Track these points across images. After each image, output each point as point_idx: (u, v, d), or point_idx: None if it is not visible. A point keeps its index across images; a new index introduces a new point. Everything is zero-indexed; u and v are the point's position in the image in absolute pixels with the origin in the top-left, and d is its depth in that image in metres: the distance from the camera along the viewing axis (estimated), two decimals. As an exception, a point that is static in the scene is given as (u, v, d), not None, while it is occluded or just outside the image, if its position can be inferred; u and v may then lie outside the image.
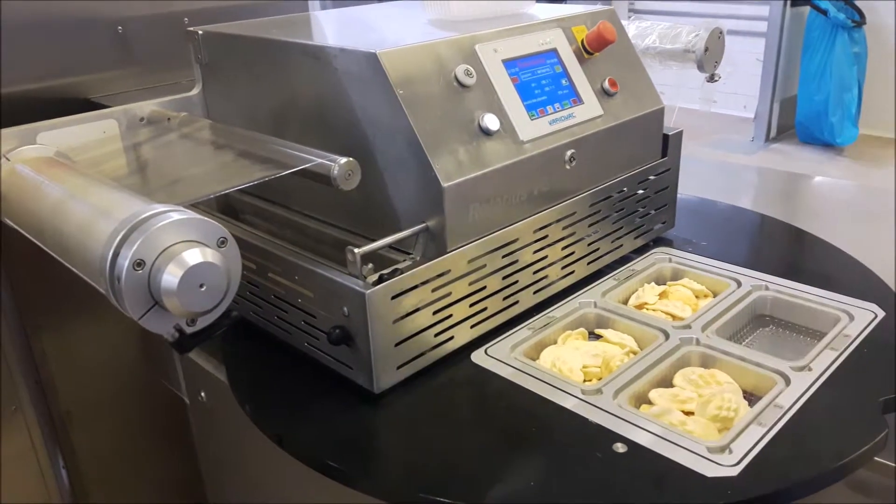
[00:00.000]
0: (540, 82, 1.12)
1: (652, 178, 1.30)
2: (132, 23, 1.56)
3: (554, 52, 1.15)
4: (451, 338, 1.03)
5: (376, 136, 1.00)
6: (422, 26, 1.21)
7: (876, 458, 1.24)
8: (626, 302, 1.18)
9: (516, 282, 1.10)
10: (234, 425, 1.11)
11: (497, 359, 1.03)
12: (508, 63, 1.09)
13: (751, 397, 0.97)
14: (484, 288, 1.05)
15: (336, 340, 0.95)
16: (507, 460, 0.87)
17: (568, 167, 1.13)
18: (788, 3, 4.27)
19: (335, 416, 0.97)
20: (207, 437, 1.39)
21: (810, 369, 0.97)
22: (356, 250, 0.91)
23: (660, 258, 1.29)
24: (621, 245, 1.28)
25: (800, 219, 1.59)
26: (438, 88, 1.00)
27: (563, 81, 1.15)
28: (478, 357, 1.04)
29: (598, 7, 1.27)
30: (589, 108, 1.16)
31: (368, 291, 0.91)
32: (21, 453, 1.57)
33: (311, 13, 1.51)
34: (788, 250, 1.43)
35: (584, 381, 1.00)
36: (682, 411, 0.93)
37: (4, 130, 1.01)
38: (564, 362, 1.02)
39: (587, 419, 0.90)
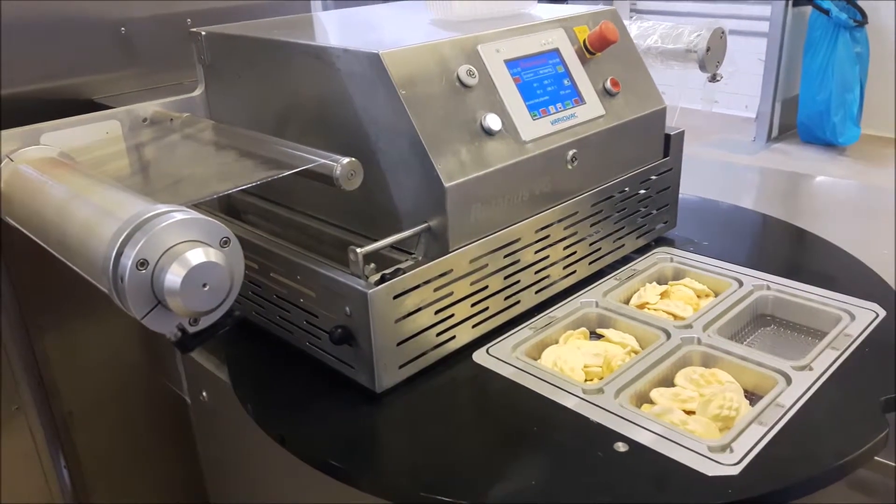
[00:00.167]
0: (542, 82, 1.12)
1: (654, 177, 1.30)
2: (135, 24, 1.56)
3: (556, 52, 1.16)
4: (453, 337, 1.03)
5: (378, 136, 1.00)
6: (424, 27, 1.21)
7: (877, 458, 1.24)
8: (627, 302, 1.18)
9: (518, 281, 1.10)
10: (236, 425, 1.12)
11: (499, 358, 1.03)
12: (510, 63, 1.09)
13: (752, 397, 0.97)
14: (486, 288, 1.05)
15: (338, 340, 0.96)
16: (509, 459, 0.87)
17: (570, 167, 1.13)
18: (790, 2, 4.27)
19: (337, 415, 0.97)
20: (209, 436, 1.40)
21: (811, 369, 0.97)
22: (358, 250, 0.92)
23: (661, 258, 1.29)
24: (623, 245, 1.28)
25: (801, 219, 1.59)
26: (441, 88, 1.00)
27: (565, 81, 1.15)
28: (479, 357, 1.04)
29: (600, 7, 1.27)
30: (591, 108, 1.16)
31: (370, 291, 0.91)
32: (23, 453, 1.58)
33: (314, 14, 1.52)
34: (790, 250, 1.43)
35: (586, 380, 1.00)
36: (684, 410, 0.93)
37: (9, 131, 1.01)
38: (566, 362, 1.02)
39: (588, 418, 0.91)
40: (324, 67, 1.04)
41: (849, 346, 1.02)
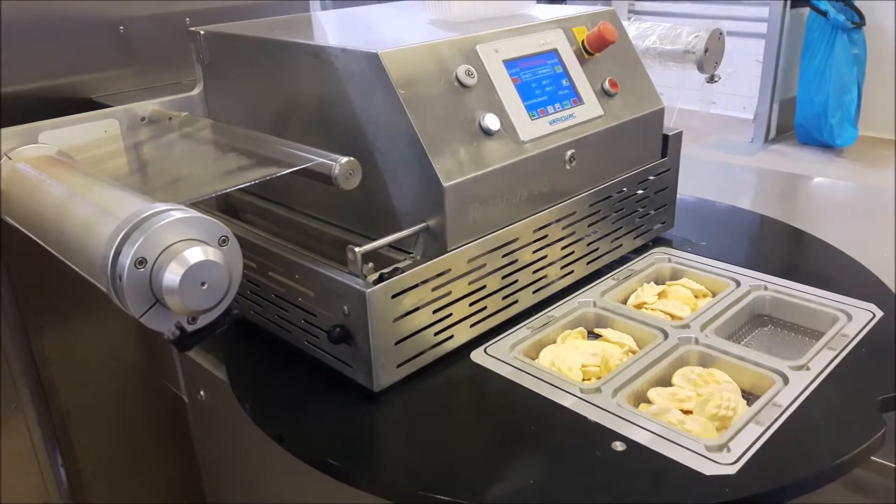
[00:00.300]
0: (540, 82, 1.12)
1: (651, 178, 1.30)
2: (134, 23, 1.56)
3: (554, 53, 1.16)
4: (451, 337, 1.04)
5: (377, 135, 1.00)
6: (423, 26, 1.21)
7: (874, 458, 1.24)
8: (625, 301, 1.18)
9: (516, 281, 1.10)
10: (234, 424, 1.12)
11: (496, 358, 1.03)
12: (509, 63, 1.09)
13: (749, 396, 0.97)
14: (484, 287, 1.06)
15: (336, 339, 0.96)
16: (507, 458, 0.87)
17: (568, 167, 1.13)
18: (788, 4, 4.28)
19: (335, 414, 0.97)
20: (207, 435, 1.39)
21: (808, 369, 0.97)
22: (357, 249, 0.92)
23: (659, 258, 1.29)
24: (621, 245, 1.28)
25: (798, 220, 1.59)
26: (439, 88, 1.00)
27: (564, 82, 1.15)
28: (477, 356, 1.04)
29: (599, 8, 1.27)
30: (589, 109, 1.17)
31: (369, 290, 0.91)
32: (21, 452, 1.58)
33: (313, 13, 1.52)
34: (787, 250, 1.43)
35: (584, 379, 1.00)
36: (681, 410, 0.93)
37: (7, 130, 1.01)
38: (564, 361, 1.02)
39: (586, 418, 0.91)
40: (322, 67, 1.04)
41: (846, 346, 1.02)
